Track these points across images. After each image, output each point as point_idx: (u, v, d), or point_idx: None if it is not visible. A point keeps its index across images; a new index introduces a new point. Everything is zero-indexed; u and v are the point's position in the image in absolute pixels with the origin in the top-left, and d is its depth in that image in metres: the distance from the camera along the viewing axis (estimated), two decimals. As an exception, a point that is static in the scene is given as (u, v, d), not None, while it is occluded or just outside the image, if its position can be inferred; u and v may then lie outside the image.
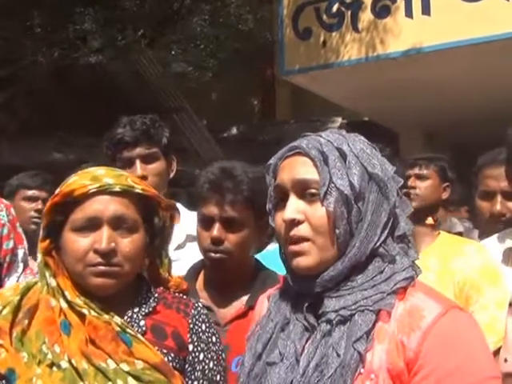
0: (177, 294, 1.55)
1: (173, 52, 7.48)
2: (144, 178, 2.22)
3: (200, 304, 1.56)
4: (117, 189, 1.41)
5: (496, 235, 2.15)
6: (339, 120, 8.46)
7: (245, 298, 1.78)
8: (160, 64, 7.36)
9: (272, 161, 1.28)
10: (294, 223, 1.18)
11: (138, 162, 2.24)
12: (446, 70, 5.92)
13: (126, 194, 1.42)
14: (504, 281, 1.94)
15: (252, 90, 9.81)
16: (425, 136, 7.75)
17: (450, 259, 1.92)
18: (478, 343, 1.14)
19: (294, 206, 1.19)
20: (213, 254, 1.77)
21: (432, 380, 1.08)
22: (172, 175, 2.37)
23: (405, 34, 5.96)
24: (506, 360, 1.37)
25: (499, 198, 2.37)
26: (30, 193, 3.14)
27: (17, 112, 6.29)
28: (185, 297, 1.56)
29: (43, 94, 6.28)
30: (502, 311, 1.79)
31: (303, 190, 1.19)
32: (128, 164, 2.25)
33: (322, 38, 6.38)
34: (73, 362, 1.33)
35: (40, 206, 3.06)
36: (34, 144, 6.11)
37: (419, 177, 3.14)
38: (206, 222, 1.78)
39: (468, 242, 2.16)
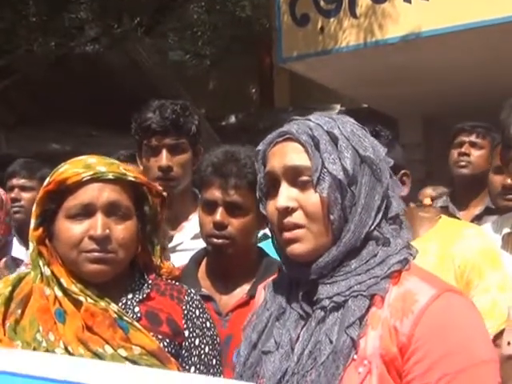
0: (169, 281, 1.56)
1: (170, 40, 7.44)
2: (169, 168, 2.20)
3: (193, 290, 1.56)
4: (110, 176, 1.42)
5: (490, 223, 2.15)
6: (338, 107, 8.42)
7: (247, 287, 1.77)
8: (157, 52, 7.32)
9: (261, 147, 1.26)
10: (287, 211, 1.16)
11: (164, 152, 2.20)
12: (445, 55, 5.87)
13: (118, 181, 1.43)
14: (504, 264, 1.94)
15: (250, 78, 9.77)
16: (424, 122, 7.72)
17: (451, 243, 1.91)
18: (474, 326, 1.12)
19: (287, 194, 1.17)
20: (215, 240, 1.74)
21: (425, 364, 1.07)
22: (197, 165, 2.27)
23: (403, 19, 5.90)
24: (509, 343, 1.36)
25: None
26: (8, 184, 3.09)
27: (13, 102, 6.26)
28: (177, 283, 1.56)
29: (39, 84, 6.24)
30: (503, 294, 1.79)
31: (295, 176, 1.17)
32: (154, 152, 2.22)
33: (319, 24, 6.32)
34: (69, 348, 1.33)
35: (13, 195, 3.01)
36: (31, 134, 6.09)
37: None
38: (208, 207, 1.75)
39: (468, 225, 2.16)
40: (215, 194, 1.73)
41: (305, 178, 1.16)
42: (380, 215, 1.18)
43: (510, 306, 1.46)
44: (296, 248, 1.17)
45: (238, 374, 1.23)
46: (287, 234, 1.17)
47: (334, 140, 1.17)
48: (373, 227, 1.17)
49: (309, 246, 1.16)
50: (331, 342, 1.10)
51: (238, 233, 1.73)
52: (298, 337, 1.17)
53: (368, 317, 1.12)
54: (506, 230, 2.06)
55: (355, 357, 1.09)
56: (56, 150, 6.15)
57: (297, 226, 1.16)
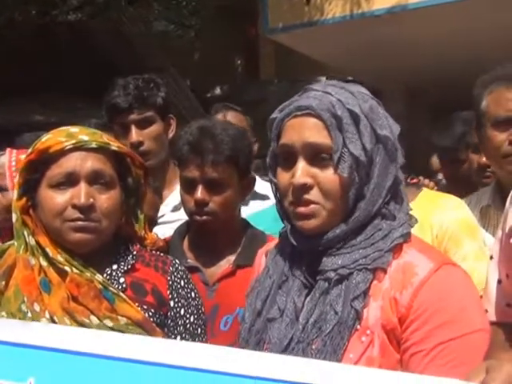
0: (154, 252, 1.56)
1: (155, 10, 7.32)
2: (140, 143, 2.19)
3: (177, 261, 1.57)
4: (93, 145, 1.41)
5: (465, 199, 2.18)
6: (323, 79, 8.37)
7: (232, 258, 1.79)
8: (141, 22, 7.21)
9: (277, 115, 1.24)
10: (304, 187, 1.17)
11: (132, 128, 2.20)
12: (430, 28, 5.87)
13: (101, 150, 1.42)
14: (481, 233, 1.98)
15: (235, 49, 9.67)
16: (408, 94, 7.73)
17: (430, 213, 1.95)
18: (469, 297, 1.16)
19: (305, 170, 1.17)
20: (198, 217, 1.75)
21: (422, 333, 1.11)
22: (171, 135, 2.30)
23: (390, -10, 5.89)
24: (486, 311, 1.41)
25: None
26: None
27: (-5, 72, 6.14)
28: (162, 254, 1.57)
29: (22, 54, 6.13)
30: (479, 263, 1.82)
31: (314, 154, 1.17)
32: (124, 130, 2.21)
33: (305, -5, 6.28)
34: (55, 319, 1.34)
35: None
36: (14, 106, 6.00)
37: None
38: (188, 185, 1.76)
39: (447, 196, 2.20)
40: (193, 172, 1.73)
41: (324, 155, 1.16)
42: (390, 194, 1.20)
43: (487, 275, 1.50)
44: (309, 223, 1.18)
45: (244, 339, 1.26)
46: (302, 209, 1.18)
47: (355, 119, 1.17)
48: (382, 205, 1.19)
49: (321, 222, 1.18)
50: (336, 313, 1.14)
51: (219, 208, 1.74)
52: (302, 305, 1.20)
53: (370, 288, 1.15)
54: (484, 203, 2.09)
55: (358, 327, 1.14)
56: (40, 121, 6.08)
57: (312, 203, 1.17)
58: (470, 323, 1.13)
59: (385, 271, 1.16)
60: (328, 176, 1.16)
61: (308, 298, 1.20)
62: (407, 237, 1.20)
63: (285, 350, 1.16)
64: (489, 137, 1.96)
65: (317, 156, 1.17)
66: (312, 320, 1.16)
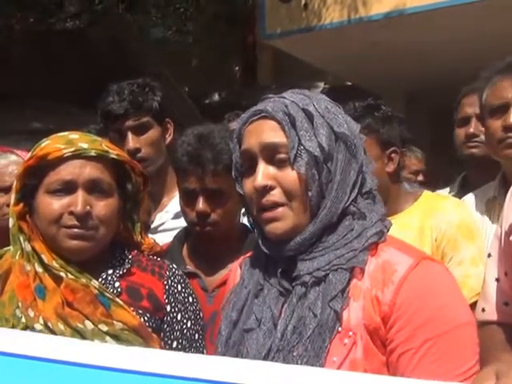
0: (151, 257, 1.55)
1: (152, 17, 7.34)
2: (137, 150, 2.16)
3: (175, 266, 1.56)
4: (92, 153, 1.41)
5: (472, 192, 2.18)
6: (321, 85, 8.40)
7: (232, 264, 1.77)
8: (139, 29, 7.22)
9: (235, 126, 1.26)
10: (265, 190, 1.17)
11: (129, 135, 2.16)
12: (428, 32, 5.87)
13: (100, 158, 1.42)
14: (480, 237, 1.96)
15: (233, 55, 9.69)
16: (406, 99, 7.74)
17: (429, 216, 1.94)
18: (451, 291, 1.15)
19: (265, 172, 1.18)
20: (200, 228, 1.74)
21: (407, 331, 1.10)
22: (169, 140, 2.26)
23: (387, -5, 5.90)
24: (483, 310, 1.39)
25: (473, 121, 2.40)
26: None
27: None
28: (159, 259, 1.56)
29: (20, 61, 6.13)
30: (475, 268, 1.82)
31: (272, 154, 1.18)
32: (120, 137, 2.17)
33: (303, 1, 6.29)
34: (49, 324, 1.33)
35: None
36: (12, 112, 5.99)
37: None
38: (188, 196, 1.74)
39: (446, 198, 2.18)
40: (194, 183, 1.71)
41: (282, 155, 1.17)
42: (355, 191, 1.19)
43: (485, 274, 1.48)
44: (276, 227, 1.18)
45: (221, 353, 1.24)
46: (267, 214, 1.18)
47: (310, 117, 1.18)
48: (348, 202, 1.18)
49: (289, 224, 1.17)
50: (315, 315, 1.12)
51: (221, 218, 1.73)
52: (280, 313, 1.18)
53: (349, 289, 1.14)
54: (489, 195, 2.09)
55: (339, 329, 1.11)
56: (38, 128, 6.07)
57: (276, 205, 1.17)
58: (455, 317, 1.12)
59: (363, 271, 1.15)
60: (287, 175, 1.17)
61: (286, 305, 1.18)
62: (381, 235, 1.19)
63: (264, 360, 1.13)
64: (487, 126, 1.99)
65: (275, 156, 1.18)
66: (291, 326, 1.14)
